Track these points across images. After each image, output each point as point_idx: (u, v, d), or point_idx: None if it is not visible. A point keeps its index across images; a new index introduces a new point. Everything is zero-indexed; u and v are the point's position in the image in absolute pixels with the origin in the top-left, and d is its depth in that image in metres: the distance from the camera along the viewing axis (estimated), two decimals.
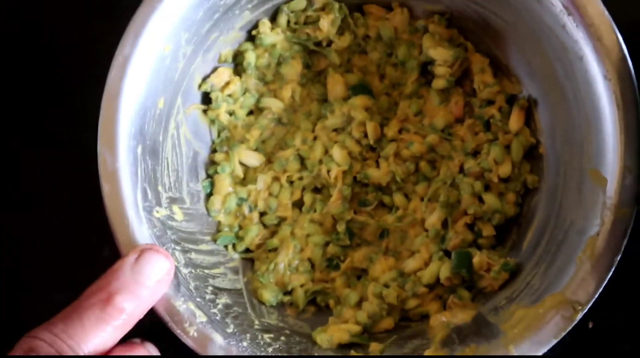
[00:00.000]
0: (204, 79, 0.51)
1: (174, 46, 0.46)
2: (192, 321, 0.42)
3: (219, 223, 0.50)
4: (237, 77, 0.51)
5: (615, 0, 0.43)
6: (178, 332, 0.42)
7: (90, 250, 0.55)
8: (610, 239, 0.41)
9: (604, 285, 0.41)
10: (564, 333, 0.41)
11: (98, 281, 0.37)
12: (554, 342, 0.41)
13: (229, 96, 0.51)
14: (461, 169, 0.50)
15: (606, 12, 0.42)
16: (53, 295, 0.54)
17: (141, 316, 0.38)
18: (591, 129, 0.44)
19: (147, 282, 0.38)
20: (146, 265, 0.38)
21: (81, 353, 0.34)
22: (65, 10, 0.57)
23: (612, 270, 0.41)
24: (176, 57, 0.47)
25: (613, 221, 0.41)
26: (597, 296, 0.48)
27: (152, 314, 0.42)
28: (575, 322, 0.41)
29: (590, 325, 0.52)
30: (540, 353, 0.41)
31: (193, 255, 0.46)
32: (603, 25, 0.42)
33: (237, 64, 0.52)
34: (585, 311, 0.41)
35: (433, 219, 0.49)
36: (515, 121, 0.49)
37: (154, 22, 0.44)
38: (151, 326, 0.44)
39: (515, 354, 0.41)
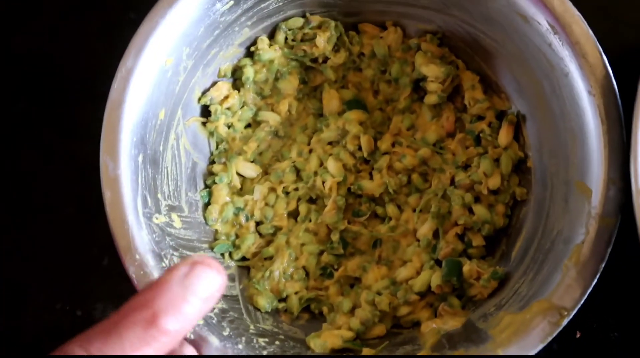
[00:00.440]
0: (204, 92, 0.52)
1: (175, 59, 0.48)
2: None
3: (216, 231, 0.52)
4: (236, 92, 0.53)
5: (598, 20, 0.46)
6: None
7: (90, 260, 0.56)
8: (595, 247, 0.43)
9: (589, 291, 0.42)
10: (550, 338, 0.42)
11: (144, 294, 0.33)
12: (541, 346, 0.42)
13: (228, 109, 0.53)
14: (452, 182, 0.52)
15: (590, 31, 0.44)
16: (54, 304, 0.56)
17: (183, 336, 0.36)
18: (576, 142, 0.45)
19: (195, 300, 0.33)
20: (197, 280, 0.34)
21: None
22: (70, 26, 0.59)
23: (597, 276, 0.42)
24: (177, 71, 0.48)
25: (598, 230, 0.43)
26: (582, 303, 0.50)
27: None
28: (561, 327, 0.42)
29: (578, 335, 0.53)
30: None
31: None
32: (587, 43, 0.44)
33: (236, 78, 0.54)
34: (571, 317, 0.42)
35: (424, 230, 0.50)
36: (504, 135, 0.51)
37: (157, 37, 0.46)
38: None
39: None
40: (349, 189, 0.52)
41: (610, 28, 0.48)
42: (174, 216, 0.49)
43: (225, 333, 0.44)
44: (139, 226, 0.44)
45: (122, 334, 0.32)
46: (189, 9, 0.47)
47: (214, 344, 0.43)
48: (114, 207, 0.44)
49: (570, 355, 0.53)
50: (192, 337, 0.43)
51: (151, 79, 0.46)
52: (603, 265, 0.43)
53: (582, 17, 0.44)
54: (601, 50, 0.44)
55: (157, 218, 0.46)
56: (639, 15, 0.43)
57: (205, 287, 0.34)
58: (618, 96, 0.44)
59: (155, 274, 0.44)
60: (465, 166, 0.52)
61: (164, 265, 0.44)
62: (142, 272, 0.44)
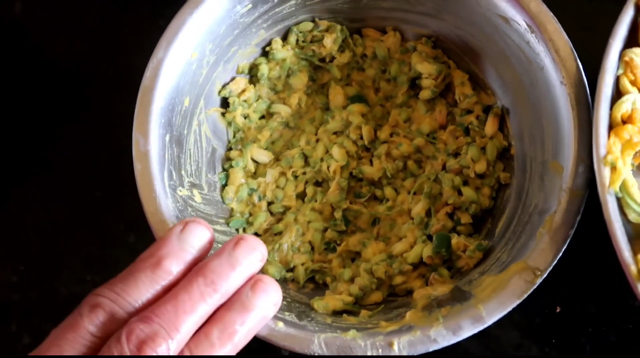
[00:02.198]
0: (224, 86, 0.59)
1: (200, 54, 0.54)
2: None
3: (232, 209, 0.58)
4: (252, 86, 0.60)
5: (569, 19, 0.52)
6: None
7: (118, 237, 0.62)
8: (566, 216, 0.48)
9: (560, 254, 0.48)
10: (526, 295, 0.47)
11: (149, 249, 0.42)
12: (517, 301, 0.47)
13: (244, 101, 0.59)
14: (443, 168, 0.58)
15: (562, 29, 0.50)
16: (85, 275, 0.62)
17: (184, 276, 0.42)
18: (551, 127, 0.51)
19: (190, 249, 0.41)
20: (190, 234, 0.42)
21: (135, 305, 0.39)
22: (106, 31, 0.67)
23: (568, 241, 0.48)
24: (201, 64, 0.55)
25: (568, 201, 0.48)
26: (562, 281, 0.56)
27: None
28: (536, 286, 0.47)
29: (558, 310, 0.58)
30: (505, 312, 0.47)
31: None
32: (560, 40, 0.50)
33: (252, 75, 0.60)
34: (544, 276, 0.47)
35: (418, 209, 0.56)
36: (490, 126, 0.57)
37: (184, 32, 0.53)
38: None
39: (484, 313, 0.47)
40: (351, 173, 0.58)
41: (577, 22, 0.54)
42: (195, 191, 0.55)
43: None
44: (165, 195, 0.50)
45: (137, 277, 0.40)
46: (213, 9, 0.53)
47: None
48: (144, 177, 0.50)
49: (552, 329, 0.58)
50: None
51: (178, 69, 0.53)
52: (573, 231, 0.48)
53: (555, 17, 0.51)
54: (572, 46, 0.50)
55: (180, 191, 0.52)
56: (607, 22, 0.49)
57: (197, 239, 0.42)
58: (587, 85, 0.49)
59: None
60: (456, 154, 0.58)
61: None
62: None
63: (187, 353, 0.38)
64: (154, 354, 0.37)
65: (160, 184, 0.51)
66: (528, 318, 0.58)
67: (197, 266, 0.41)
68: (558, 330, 0.58)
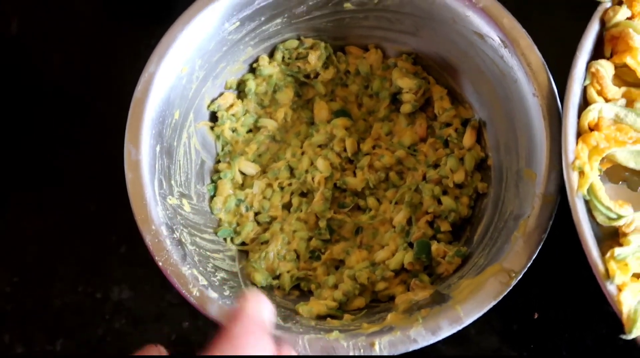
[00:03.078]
0: (212, 100, 0.61)
1: (190, 69, 0.57)
2: (195, 283, 0.50)
3: (220, 219, 0.60)
4: (240, 101, 0.62)
5: (541, 34, 0.55)
6: (183, 292, 0.50)
7: (110, 249, 0.63)
8: (539, 220, 0.50)
9: (534, 257, 0.50)
10: (501, 296, 0.49)
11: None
12: (494, 302, 0.49)
13: (233, 115, 0.62)
14: (424, 178, 0.60)
15: (534, 44, 0.53)
16: (77, 286, 0.63)
17: None
18: (525, 138, 0.54)
19: None
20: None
21: None
22: (102, 51, 0.69)
23: (541, 244, 0.50)
24: (191, 79, 0.58)
25: (541, 206, 0.50)
26: (539, 287, 0.57)
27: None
28: (511, 287, 0.49)
29: (536, 316, 0.60)
30: (482, 312, 0.49)
31: (197, 239, 0.55)
32: (532, 54, 0.53)
33: (240, 90, 0.63)
34: (519, 278, 0.50)
35: (399, 217, 0.58)
36: (468, 139, 0.60)
37: (175, 48, 0.55)
38: None
39: (461, 313, 0.49)
40: (335, 184, 0.60)
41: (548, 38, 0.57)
42: (184, 201, 0.57)
43: (225, 293, 0.52)
44: (155, 203, 0.52)
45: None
46: (202, 26, 0.56)
47: (216, 302, 0.50)
48: (135, 186, 0.52)
49: (530, 334, 0.59)
50: (198, 294, 0.50)
51: (169, 83, 0.55)
52: (546, 235, 0.50)
53: (527, 32, 0.54)
54: (543, 59, 0.53)
55: (170, 199, 0.54)
56: (577, 36, 0.52)
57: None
58: (557, 97, 0.52)
59: (168, 242, 0.51)
60: (435, 166, 0.60)
61: (175, 235, 0.52)
62: (156, 240, 0.51)
63: None
64: None
65: (151, 192, 0.53)
66: (506, 324, 0.60)
67: None
68: (535, 335, 0.59)
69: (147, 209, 0.52)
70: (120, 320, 0.62)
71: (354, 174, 0.61)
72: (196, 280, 0.51)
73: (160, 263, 0.51)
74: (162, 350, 0.44)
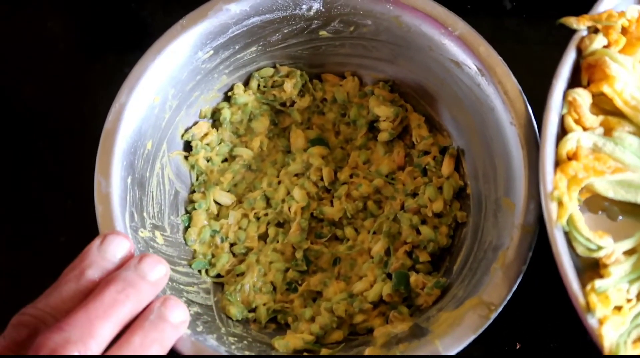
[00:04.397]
0: (186, 129, 0.60)
1: (162, 98, 0.56)
2: None
3: (195, 251, 0.58)
4: (215, 130, 0.61)
5: (518, 63, 0.54)
6: None
7: None
8: (518, 251, 0.49)
9: (514, 289, 0.49)
10: (481, 330, 0.48)
11: (71, 264, 0.43)
12: (473, 336, 0.48)
13: (207, 144, 0.61)
14: (402, 207, 0.59)
15: (510, 72, 0.53)
16: None
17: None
18: (503, 166, 0.53)
19: (112, 258, 0.43)
20: (109, 244, 0.44)
21: (58, 316, 0.39)
22: (75, 80, 0.68)
23: (521, 276, 0.49)
24: (164, 108, 0.56)
25: (520, 237, 0.50)
26: (521, 316, 0.56)
27: None
28: (491, 320, 0.48)
29: (518, 346, 0.59)
30: (461, 347, 0.48)
31: (170, 272, 0.54)
32: (509, 82, 0.53)
33: (215, 119, 0.62)
34: (498, 311, 0.48)
35: (377, 248, 0.57)
36: (446, 167, 0.59)
37: (147, 77, 0.54)
38: None
39: (440, 348, 0.48)
40: (312, 214, 0.59)
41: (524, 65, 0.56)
42: (157, 233, 0.55)
43: (198, 330, 0.50)
44: None
45: (61, 291, 0.41)
46: (175, 56, 0.55)
47: (187, 334, 0.48)
48: (105, 219, 0.51)
49: None
50: None
51: (141, 113, 0.54)
52: (525, 267, 0.49)
53: (503, 60, 0.53)
54: (520, 87, 0.52)
55: (142, 232, 0.53)
56: (555, 64, 0.51)
57: (117, 249, 0.44)
58: (535, 125, 0.51)
59: None
60: (414, 194, 0.59)
61: None
62: None
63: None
64: None
65: (122, 225, 0.51)
66: (489, 355, 0.59)
67: (107, 277, 0.42)
68: None
69: None
70: None
71: (331, 204, 0.60)
72: None
73: None
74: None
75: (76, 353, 0.37)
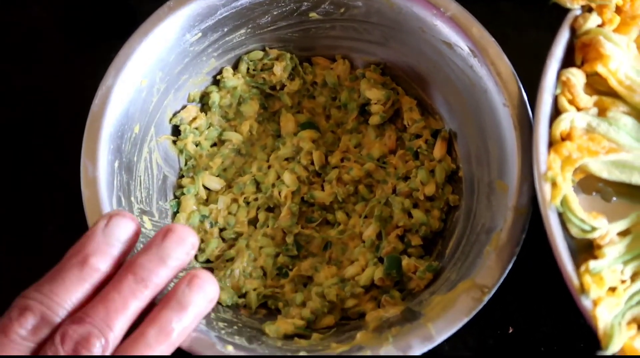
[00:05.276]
0: (175, 114, 0.59)
1: (150, 81, 0.55)
2: None
3: None
4: (203, 114, 0.60)
5: (511, 46, 0.53)
6: None
7: None
8: (512, 233, 0.49)
9: (507, 271, 0.48)
10: (474, 313, 0.47)
11: (74, 246, 0.42)
12: (466, 319, 0.47)
13: (196, 129, 0.60)
14: (394, 191, 0.58)
15: (503, 53, 0.52)
16: None
17: (115, 271, 0.42)
18: (496, 149, 0.53)
19: (116, 243, 0.42)
20: (115, 227, 0.42)
21: (65, 306, 0.39)
22: (65, 67, 0.67)
23: (514, 258, 0.48)
24: (151, 92, 0.56)
25: (513, 219, 0.49)
26: (513, 301, 0.56)
27: None
28: (484, 303, 0.47)
29: (511, 330, 0.58)
30: (454, 330, 0.47)
31: None
32: (501, 63, 0.52)
33: (204, 103, 0.61)
34: (491, 293, 0.48)
35: (369, 232, 0.57)
36: (438, 150, 0.58)
37: (134, 60, 0.53)
38: None
39: (433, 331, 0.47)
40: (302, 198, 0.58)
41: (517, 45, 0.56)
42: (145, 218, 0.54)
43: None
44: None
45: (64, 277, 0.40)
46: (162, 38, 0.54)
47: None
48: (91, 204, 0.50)
49: (505, 349, 0.58)
50: None
51: (127, 96, 0.53)
52: (519, 249, 0.48)
53: (495, 41, 0.52)
54: (513, 68, 0.52)
55: None
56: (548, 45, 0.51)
57: (123, 231, 0.42)
58: (528, 107, 0.51)
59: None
60: (406, 178, 0.59)
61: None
62: None
63: (123, 353, 0.38)
64: (89, 354, 0.37)
65: (109, 209, 0.50)
66: (481, 340, 0.58)
67: (126, 263, 0.41)
68: (511, 350, 0.58)
69: None
70: None
71: (322, 188, 0.59)
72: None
73: None
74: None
75: (98, 346, 0.37)
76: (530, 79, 0.52)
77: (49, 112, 0.66)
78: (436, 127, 0.60)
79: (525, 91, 0.51)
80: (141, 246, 0.47)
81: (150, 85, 0.55)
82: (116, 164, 0.52)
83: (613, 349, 0.43)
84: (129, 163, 0.54)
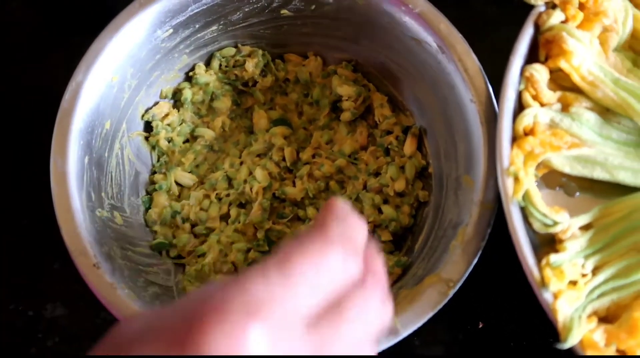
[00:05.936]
0: (147, 110, 0.59)
1: (121, 77, 0.55)
2: (123, 299, 0.49)
3: (156, 232, 0.58)
4: (176, 110, 0.61)
5: (481, 43, 0.54)
6: (110, 308, 0.48)
7: (42, 265, 0.61)
8: (477, 228, 0.49)
9: (472, 265, 0.49)
10: (440, 306, 0.48)
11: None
12: (431, 313, 0.47)
13: (168, 125, 0.60)
14: (364, 187, 0.59)
15: (470, 49, 0.52)
16: (8, 305, 0.61)
17: None
18: (464, 144, 0.53)
19: None
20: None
21: None
22: (40, 67, 0.67)
23: (479, 253, 0.49)
24: (122, 88, 0.56)
25: (479, 214, 0.49)
26: (484, 296, 0.56)
27: None
28: (450, 297, 0.48)
29: (481, 325, 0.59)
30: (419, 324, 0.48)
31: (129, 253, 0.53)
32: (469, 60, 0.52)
33: (176, 99, 0.61)
34: (457, 287, 0.48)
35: None
36: (409, 146, 0.59)
37: (104, 56, 0.53)
38: None
39: (398, 325, 0.48)
40: (274, 194, 0.59)
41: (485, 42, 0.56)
42: (116, 214, 0.55)
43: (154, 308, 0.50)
44: (83, 216, 0.50)
45: None
46: (133, 34, 0.54)
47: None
48: (61, 199, 0.50)
49: (475, 344, 0.58)
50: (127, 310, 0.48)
51: (98, 92, 0.53)
52: (484, 243, 0.49)
53: (463, 38, 0.53)
54: (480, 65, 0.52)
55: (99, 212, 0.52)
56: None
57: None
58: (495, 103, 0.51)
59: (95, 257, 0.49)
60: (376, 174, 0.59)
61: (103, 250, 0.50)
62: (83, 255, 0.49)
63: None
64: None
65: (78, 205, 0.51)
66: (451, 334, 0.58)
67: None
68: (481, 344, 0.58)
69: (74, 223, 0.50)
70: (54, 338, 0.60)
71: (294, 184, 0.59)
72: (124, 296, 0.49)
73: (86, 279, 0.49)
74: None
75: None
76: (499, 75, 0.52)
77: (21, 107, 0.66)
78: (407, 123, 0.60)
79: (492, 87, 0.52)
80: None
81: (121, 81, 0.55)
82: (86, 160, 0.52)
83: (572, 341, 0.44)
84: (99, 158, 0.54)
